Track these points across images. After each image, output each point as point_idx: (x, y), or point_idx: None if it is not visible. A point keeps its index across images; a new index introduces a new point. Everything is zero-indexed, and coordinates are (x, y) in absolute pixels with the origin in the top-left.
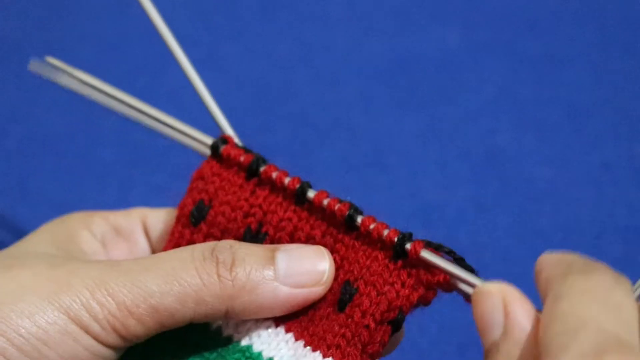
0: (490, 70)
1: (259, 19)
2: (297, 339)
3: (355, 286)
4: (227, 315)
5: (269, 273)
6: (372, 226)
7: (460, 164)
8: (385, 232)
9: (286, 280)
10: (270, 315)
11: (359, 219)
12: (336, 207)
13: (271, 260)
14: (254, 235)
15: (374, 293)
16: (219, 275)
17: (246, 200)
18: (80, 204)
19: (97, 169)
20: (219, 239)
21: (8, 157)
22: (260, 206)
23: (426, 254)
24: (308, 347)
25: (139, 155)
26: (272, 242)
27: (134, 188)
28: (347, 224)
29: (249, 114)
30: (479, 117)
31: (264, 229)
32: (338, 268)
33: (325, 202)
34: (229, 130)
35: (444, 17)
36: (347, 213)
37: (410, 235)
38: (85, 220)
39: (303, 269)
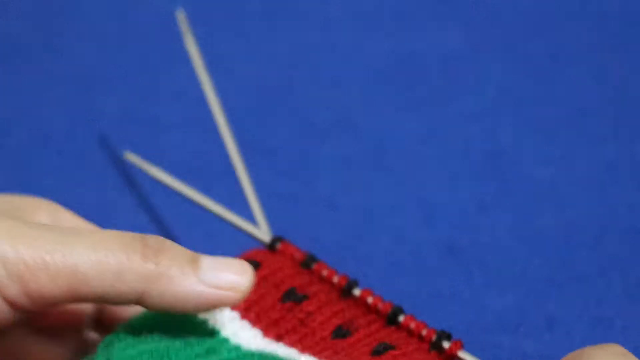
0: (491, 70)
1: (259, 18)
2: None
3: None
4: (141, 299)
5: (191, 267)
6: (412, 325)
7: (461, 164)
8: (424, 332)
9: (205, 277)
10: (182, 311)
11: (401, 318)
12: (380, 305)
13: (196, 258)
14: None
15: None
16: (143, 255)
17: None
18: (80, 203)
19: (97, 168)
20: None
21: (8, 156)
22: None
23: (463, 354)
24: None
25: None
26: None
27: (134, 189)
28: (390, 321)
29: (249, 113)
30: (479, 117)
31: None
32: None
33: (370, 299)
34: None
35: (444, 17)
36: (390, 311)
37: (449, 335)
38: (53, 208)
39: (224, 272)
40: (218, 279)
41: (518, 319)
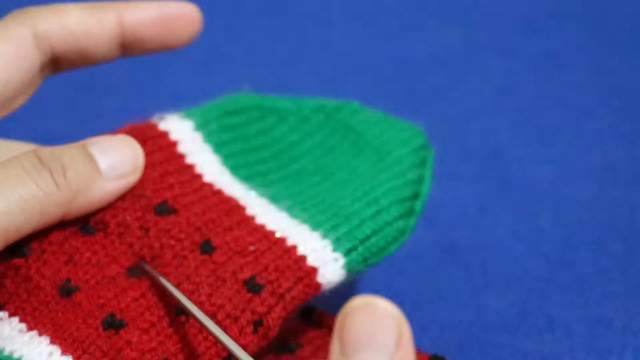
0: (491, 70)
1: (259, 18)
2: None
3: None
4: (62, 219)
5: (94, 171)
6: None
7: (460, 164)
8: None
9: (109, 174)
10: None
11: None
12: None
13: (92, 157)
14: None
15: None
16: (56, 183)
17: None
18: None
19: None
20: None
21: None
22: None
23: None
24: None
25: None
26: None
27: None
28: None
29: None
30: (479, 117)
31: None
32: None
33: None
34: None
35: (444, 17)
36: None
37: (442, 359)
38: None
39: (119, 159)
40: (119, 170)
41: (518, 319)
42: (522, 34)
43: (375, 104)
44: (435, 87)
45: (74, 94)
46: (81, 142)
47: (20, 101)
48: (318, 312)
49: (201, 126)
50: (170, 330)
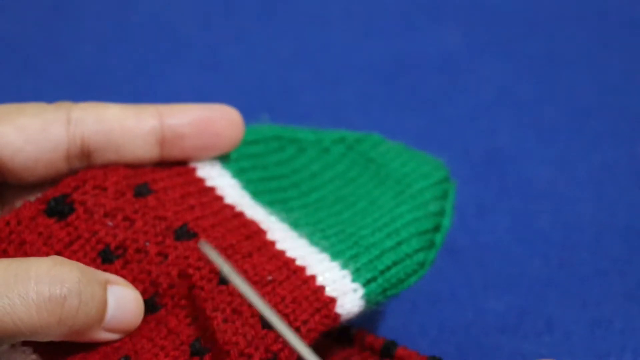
0: (490, 71)
1: (259, 19)
2: None
3: None
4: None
5: (97, 321)
6: (405, 356)
7: (460, 164)
8: None
9: (107, 325)
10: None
11: (394, 351)
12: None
13: (105, 305)
14: None
15: None
16: (60, 320)
17: None
18: None
19: None
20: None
21: None
22: None
23: None
24: None
25: None
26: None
27: None
28: (383, 354)
29: (249, 114)
30: (479, 117)
31: None
32: None
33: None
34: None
35: (444, 17)
36: (382, 345)
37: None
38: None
39: (124, 316)
40: (117, 326)
41: (517, 320)
42: (522, 34)
43: (375, 104)
44: (436, 87)
45: (74, 93)
46: (105, 276)
47: (34, 178)
48: (354, 330)
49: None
50: None
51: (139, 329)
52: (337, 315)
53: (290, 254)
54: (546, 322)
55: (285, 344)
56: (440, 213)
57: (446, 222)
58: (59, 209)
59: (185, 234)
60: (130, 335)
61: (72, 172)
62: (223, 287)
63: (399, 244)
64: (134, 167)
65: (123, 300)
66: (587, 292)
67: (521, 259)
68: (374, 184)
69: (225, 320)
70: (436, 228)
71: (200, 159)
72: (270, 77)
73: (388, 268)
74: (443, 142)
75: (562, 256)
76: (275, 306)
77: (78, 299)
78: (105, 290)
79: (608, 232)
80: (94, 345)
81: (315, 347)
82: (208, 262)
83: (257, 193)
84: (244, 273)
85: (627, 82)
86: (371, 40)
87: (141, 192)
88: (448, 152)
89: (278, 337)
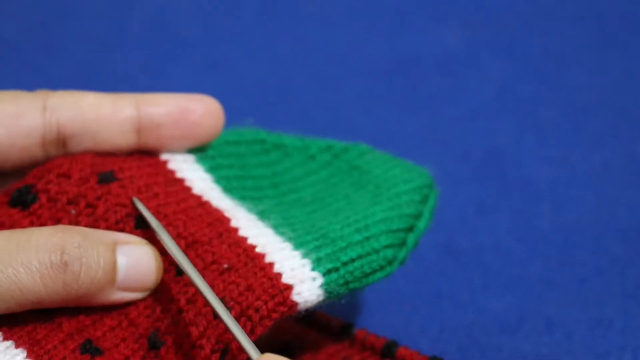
0: (491, 70)
1: (259, 19)
2: None
3: None
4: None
5: (109, 282)
6: (406, 355)
7: (460, 164)
8: None
9: (121, 285)
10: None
11: (395, 350)
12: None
13: (114, 265)
14: None
15: None
16: (65, 284)
17: None
18: None
19: None
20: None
21: None
22: None
23: None
24: None
25: None
26: None
27: None
28: (384, 354)
29: (249, 114)
30: (479, 117)
31: None
32: None
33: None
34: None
35: (444, 17)
36: (383, 345)
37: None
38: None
39: (139, 275)
40: (132, 285)
41: (517, 320)
42: (522, 34)
43: (375, 104)
44: (436, 87)
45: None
46: (113, 237)
47: (9, 164)
48: (319, 314)
49: (195, 151)
50: None
51: (101, 315)
52: (293, 303)
53: (251, 241)
54: (546, 322)
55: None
56: (417, 216)
57: (422, 224)
58: (22, 199)
59: (145, 221)
60: (93, 319)
61: (48, 160)
62: (179, 278)
63: (367, 238)
64: (107, 155)
65: (137, 259)
66: (587, 292)
67: (521, 259)
68: (354, 189)
69: (179, 311)
70: (410, 229)
71: (178, 148)
72: (270, 77)
73: (352, 260)
74: (443, 142)
75: (562, 256)
76: (229, 293)
77: (79, 263)
78: (113, 251)
79: (608, 232)
80: (59, 323)
81: (316, 347)
82: (166, 253)
83: (230, 189)
84: (201, 262)
85: (627, 82)
86: (371, 40)
87: (106, 179)
88: (448, 152)
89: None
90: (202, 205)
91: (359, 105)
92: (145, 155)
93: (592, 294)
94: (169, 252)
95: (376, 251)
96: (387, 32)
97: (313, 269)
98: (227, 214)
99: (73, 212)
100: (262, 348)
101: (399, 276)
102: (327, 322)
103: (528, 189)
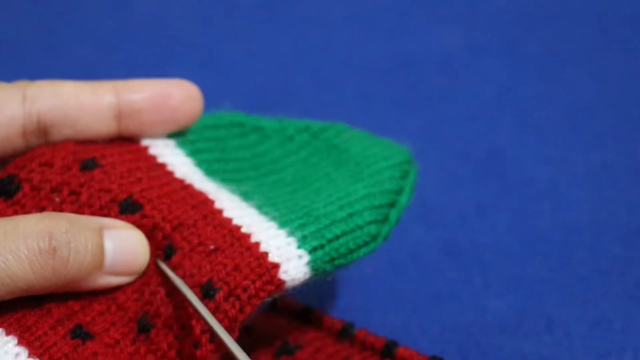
0: (491, 70)
1: (259, 19)
2: None
3: None
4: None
5: (96, 266)
6: (406, 355)
7: (460, 164)
8: None
9: (109, 269)
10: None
11: (395, 350)
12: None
13: (102, 249)
14: None
15: None
16: (54, 270)
17: None
18: None
19: None
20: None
21: None
22: None
23: None
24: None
25: None
26: None
27: None
28: (384, 354)
29: (249, 114)
30: (479, 117)
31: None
32: None
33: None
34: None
35: (444, 17)
36: (383, 345)
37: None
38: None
39: (126, 258)
40: (120, 269)
41: (517, 320)
42: (522, 34)
43: (375, 104)
44: (436, 87)
45: None
46: (100, 222)
47: None
48: (317, 312)
49: (175, 136)
50: (132, 349)
51: (90, 300)
52: (280, 282)
53: (236, 221)
54: (546, 322)
55: (220, 320)
56: (398, 191)
57: (403, 199)
58: (6, 189)
59: (130, 206)
60: (82, 305)
61: (29, 149)
62: (167, 262)
63: (351, 215)
64: (88, 143)
65: (124, 242)
66: (587, 291)
67: (521, 258)
68: (334, 167)
69: (168, 294)
70: (392, 204)
71: (158, 133)
72: (270, 77)
73: (337, 237)
74: (443, 142)
75: (562, 256)
76: (216, 274)
77: (67, 248)
78: (100, 235)
79: (608, 232)
80: (48, 309)
81: (316, 347)
82: (152, 238)
83: (212, 172)
84: (187, 244)
85: (627, 82)
86: (371, 40)
87: (88, 166)
88: (448, 152)
89: (219, 305)
90: (185, 188)
91: (359, 105)
92: (126, 142)
93: (592, 294)
94: (197, 312)
95: (360, 227)
96: (387, 32)
97: (299, 247)
98: (210, 196)
99: (57, 200)
100: (263, 348)
101: (399, 276)
102: (327, 322)
103: (528, 189)
